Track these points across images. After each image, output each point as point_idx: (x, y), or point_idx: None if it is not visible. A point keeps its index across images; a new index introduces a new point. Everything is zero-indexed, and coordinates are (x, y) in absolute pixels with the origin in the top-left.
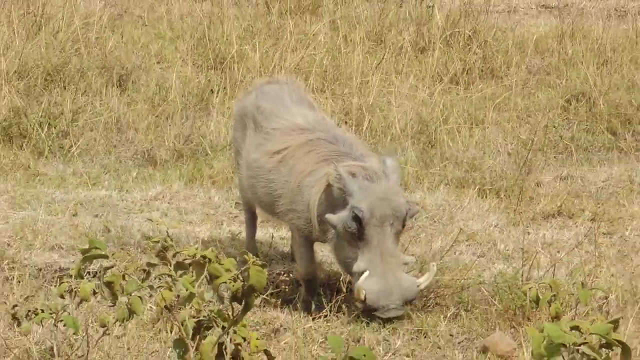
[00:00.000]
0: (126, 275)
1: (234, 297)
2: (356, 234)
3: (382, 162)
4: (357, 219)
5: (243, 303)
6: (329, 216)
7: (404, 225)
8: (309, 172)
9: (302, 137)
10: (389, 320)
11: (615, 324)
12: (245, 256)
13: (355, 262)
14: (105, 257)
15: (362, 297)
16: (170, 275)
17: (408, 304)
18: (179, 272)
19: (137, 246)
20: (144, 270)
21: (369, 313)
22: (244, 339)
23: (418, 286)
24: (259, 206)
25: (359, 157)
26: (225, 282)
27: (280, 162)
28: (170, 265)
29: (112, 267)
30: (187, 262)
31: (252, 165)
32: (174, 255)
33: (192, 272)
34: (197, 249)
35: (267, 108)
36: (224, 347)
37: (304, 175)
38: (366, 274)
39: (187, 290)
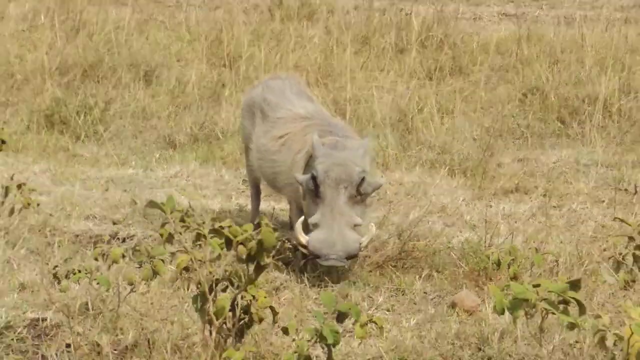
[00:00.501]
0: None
1: (249, 257)
2: (314, 192)
3: (357, 141)
4: (313, 178)
5: (256, 262)
6: (297, 175)
7: (360, 192)
8: (299, 150)
9: (302, 124)
10: (330, 268)
11: (577, 284)
12: (261, 221)
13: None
14: (164, 211)
15: (303, 242)
16: (203, 236)
17: (350, 258)
18: (211, 235)
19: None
20: (199, 234)
21: (313, 259)
22: (253, 296)
23: (360, 244)
24: (267, 184)
25: (342, 136)
26: (241, 243)
27: (282, 145)
28: (192, 231)
29: (167, 222)
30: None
31: (261, 149)
32: (212, 221)
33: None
34: (230, 220)
35: (273, 100)
36: (235, 303)
37: (296, 152)
38: (301, 219)
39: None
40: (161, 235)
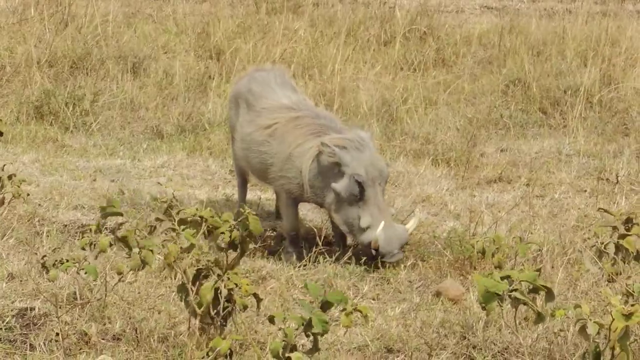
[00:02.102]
0: (137, 231)
1: (231, 245)
2: (358, 196)
3: (357, 134)
4: (359, 184)
5: (239, 249)
6: (334, 186)
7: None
8: (298, 144)
9: (289, 114)
10: (392, 263)
11: (539, 271)
12: (241, 209)
13: (359, 220)
14: (120, 214)
15: (377, 246)
16: (174, 229)
17: (403, 248)
18: (182, 226)
19: (146, 206)
20: (151, 226)
21: (375, 260)
22: (236, 284)
23: (407, 230)
24: (253, 174)
25: (340, 130)
26: (224, 233)
27: (270, 136)
28: (175, 221)
29: (125, 222)
30: (188, 219)
31: (246, 139)
32: (177, 213)
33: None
34: (196, 209)
35: (257, 90)
36: (219, 291)
37: (294, 146)
38: (382, 225)
39: (188, 242)
40: (123, 239)
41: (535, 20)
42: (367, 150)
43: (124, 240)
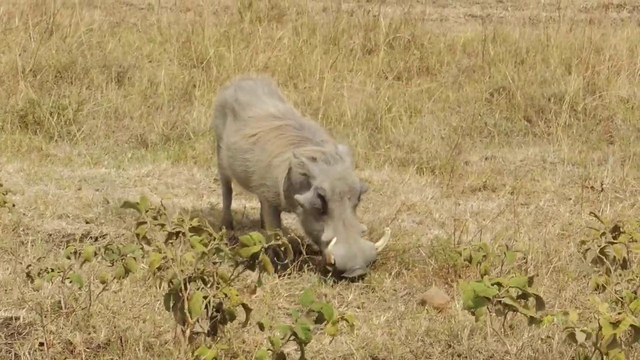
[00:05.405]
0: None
1: (250, 265)
2: (321, 209)
3: (334, 148)
4: (321, 197)
5: (257, 271)
6: (298, 197)
7: (358, 200)
8: (277, 154)
9: (274, 123)
10: (355, 279)
11: (531, 279)
12: (270, 232)
13: (323, 233)
14: (139, 210)
15: (332, 261)
16: (184, 234)
17: (369, 265)
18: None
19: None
20: (171, 233)
21: (338, 274)
22: (226, 295)
23: (376, 249)
24: (237, 182)
25: (320, 143)
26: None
27: (254, 144)
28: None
29: (144, 222)
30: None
31: (231, 147)
32: (190, 220)
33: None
34: (192, 219)
35: (244, 100)
36: (208, 301)
37: (274, 155)
38: (334, 241)
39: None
40: (137, 235)
41: (519, 29)
42: (338, 165)
43: (137, 237)
